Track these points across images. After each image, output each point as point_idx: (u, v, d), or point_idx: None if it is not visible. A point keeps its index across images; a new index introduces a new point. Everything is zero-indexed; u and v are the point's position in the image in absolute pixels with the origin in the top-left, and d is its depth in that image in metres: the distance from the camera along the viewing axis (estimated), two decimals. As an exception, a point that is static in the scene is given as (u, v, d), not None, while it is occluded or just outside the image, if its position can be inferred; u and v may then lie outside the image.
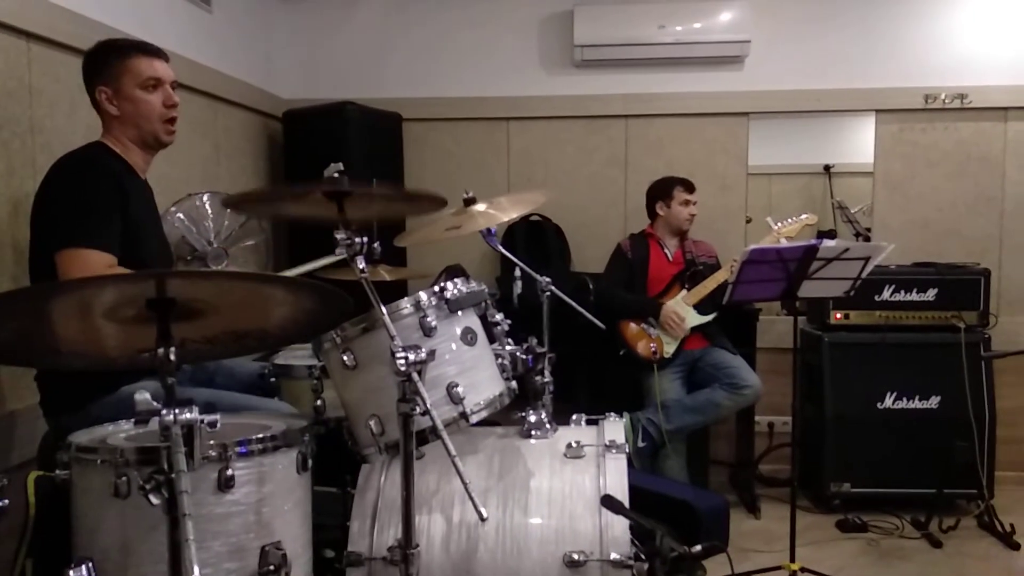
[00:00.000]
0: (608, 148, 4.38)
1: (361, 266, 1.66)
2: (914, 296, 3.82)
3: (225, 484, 1.64)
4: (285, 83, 4.37)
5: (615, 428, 2.13)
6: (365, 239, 1.67)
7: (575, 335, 2.99)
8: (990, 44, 4.11)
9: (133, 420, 1.34)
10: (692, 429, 3.66)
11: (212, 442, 1.61)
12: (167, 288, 1.36)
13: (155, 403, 1.32)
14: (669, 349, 3.69)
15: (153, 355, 1.36)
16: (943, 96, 4.14)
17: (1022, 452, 4.09)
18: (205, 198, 3.08)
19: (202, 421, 1.33)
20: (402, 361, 1.50)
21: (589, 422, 2.25)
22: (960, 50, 4.13)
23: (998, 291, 3.98)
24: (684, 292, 3.74)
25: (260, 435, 1.73)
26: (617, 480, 1.92)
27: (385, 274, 2.88)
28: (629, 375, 3.76)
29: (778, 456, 4.13)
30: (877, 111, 4.23)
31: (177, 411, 1.29)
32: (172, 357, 1.35)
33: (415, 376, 1.51)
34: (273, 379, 2.49)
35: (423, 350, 1.54)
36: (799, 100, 4.23)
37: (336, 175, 1.65)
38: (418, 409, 1.53)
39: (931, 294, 3.81)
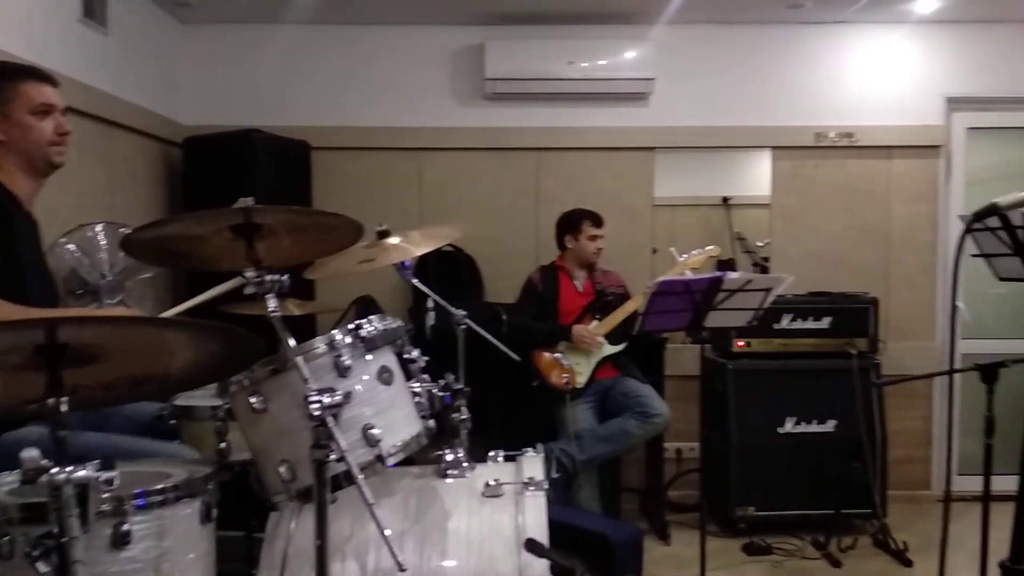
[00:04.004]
0: (520, 180, 4.42)
1: (272, 305, 1.59)
2: (810, 324, 3.99)
3: (120, 540, 1.53)
4: (186, 109, 4.23)
5: (533, 464, 2.11)
6: (277, 277, 1.61)
7: (488, 367, 2.97)
8: (875, 87, 4.39)
9: (19, 473, 1.24)
10: (604, 458, 3.70)
11: (107, 495, 1.50)
12: (58, 333, 1.27)
13: (44, 459, 1.21)
14: (581, 379, 3.73)
15: (42, 405, 1.27)
16: (832, 135, 4.39)
17: (911, 472, 4.32)
18: (99, 228, 2.93)
19: (98, 478, 1.24)
20: (316, 405, 1.45)
21: (507, 458, 2.23)
22: (848, 92, 4.39)
23: (886, 319, 4.21)
24: (595, 323, 3.79)
25: (160, 485, 1.63)
26: (536, 519, 1.90)
27: (294, 308, 2.80)
28: (542, 406, 3.77)
29: (686, 482, 4.22)
30: (773, 148, 4.44)
31: (69, 469, 1.20)
32: (64, 408, 1.26)
33: (330, 420, 1.45)
34: (173, 421, 2.36)
35: (338, 392, 1.49)
36: (701, 136, 4.39)
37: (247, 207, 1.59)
38: (333, 455, 1.48)
39: (826, 322, 3.99)
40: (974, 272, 3.08)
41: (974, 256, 2.73)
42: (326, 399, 1.46)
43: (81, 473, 1.21)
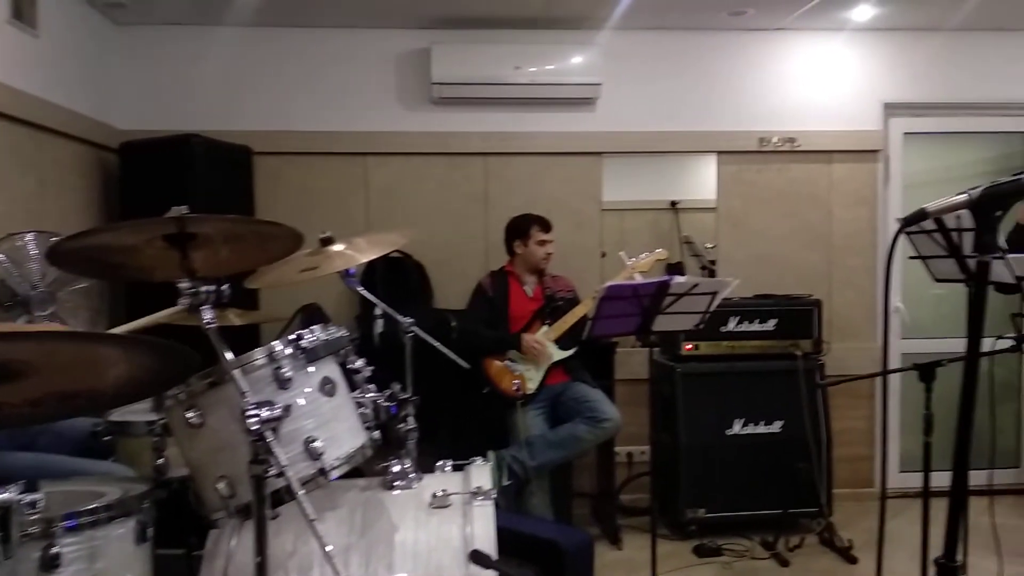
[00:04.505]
0: (468, 185, 4.39)
1: (207, 317, 1.54)
2: (756, 326, 4.05)
3: (50, 564, 1.47)
4: (122, 113, 4.10)
5: (481, 473, 2.09)
6: (212, 288, 1.55)
7: (438, 374, 2.95)
8: (815, 93, 4.49)
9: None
10: (556, 464, 3.69)
11: (33, 517, 1.43)
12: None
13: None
14: (532, 385, 3.72)
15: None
16: (775, 139, 4.47)
17: (855, 470, 4.41)
18: (29, 238, 2.81)
19: (20, 501, 1.17)
20: (254, 419, 1.40)
21: (456, 467, 2.20)
22: (789, 98, 4.48)
23: (829, 320, 4.29)
24: (545, 328, 3.79)
25: (91, 505, 1.57)
26: (484, 529, 1.88)
27: (235, 319, 2.72)
28: (493, 413, 3.75)
29: (638, 485, 4.24)
30: (718, 152, 4.50)
31: (-11, 492, 1.14)
32: (-17, 428, 1.19)
33: (268, 434, 1.41)
34: (108, 437, 2.28)
35: (277, 406, 1.45)
36: (648, 141, 4.42)
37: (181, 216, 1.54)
38: (272, 470, 1.43)
39: (771, 324, 4.05)
40: (913, 274, 3.15)
41: (911, 258, 2.80)
42: (264, 413, 1.41)
43: (1, 496, 1.15)
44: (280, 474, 1.42)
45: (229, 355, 1.55)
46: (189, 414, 1.68)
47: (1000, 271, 2.49)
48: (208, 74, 4.22)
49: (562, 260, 4.07)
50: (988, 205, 1.36)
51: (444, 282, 4.31)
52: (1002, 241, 2.51)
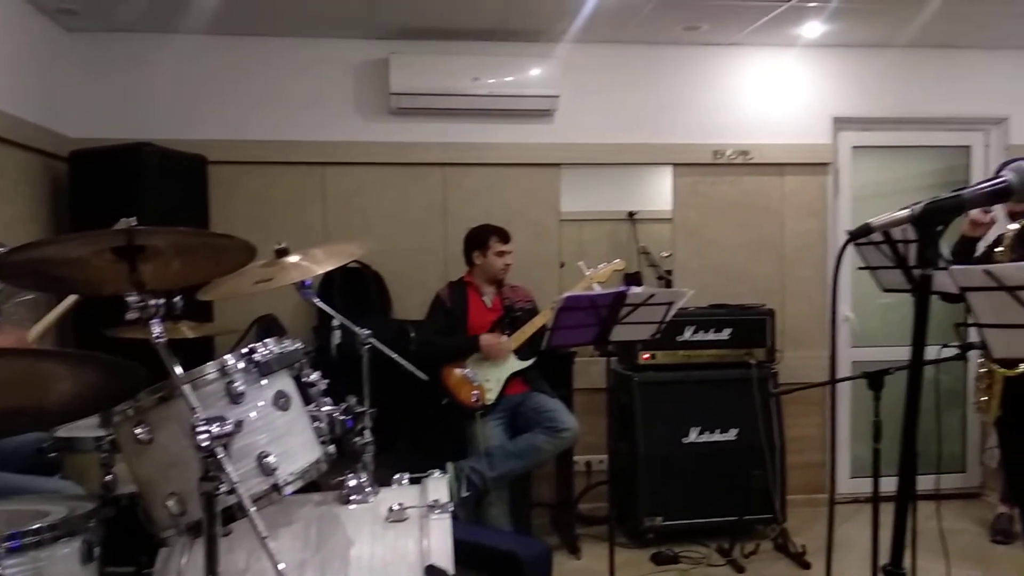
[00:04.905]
0: (427, 195, 4.39)
1: (156, 331, 1.51)
2: (711, 336, 4.11)
3: (-9, 587, 1.42)
4: (73, 121, 4.01)
5: (438, 486, 2.08)
6: (162, 301, 1.52)
7: (397, 385, 2.93)
8: (768, 107, 4.58)
9: None
10: (515, 475, 3.69)
11: (-26, 539, 1.39)
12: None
13: None
14: (491, 396, 3.71)
15: None
16: (729, 152, 4.55)
17: (808, 476, 4.49)
18: (-28, 249, 2.73)
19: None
20: (204, 435, 1.38)
21: (413, 480, 2.19)
22: (743, 111, 4.57)
23: (782, 329, 4.37)
24: (504, 338, 3.79)
25: (36, 525, 1.53)
26: (441, 542, 1.87)
27: (188, 331, 2.67)
28: (453, 424, 3.74)
29: (596, 494, 4.25)
30: (674, 164, 4.57)
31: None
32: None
33: (219, 450, 1.39)
34: (54, 454, 2.22)
35: (229, 421, 1.43)
36: (605, 153, 4.47)
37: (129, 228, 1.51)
38: (223, 487, 1.41)
39: (726, 333, 4.12)
40: (863, 284, 3.23)
41: (860, 269, 2.87)
42: (215, 428, 1.39)
43: (-62, 520, 1.11)
44: (231, 491, 1.40)
45: (179, 369, 1.53)
46: (138, 430, 1.64)
47: (944, 282, 2.58)
48: (162, 82, 4.15)
49: (521, 270, 4.08)
50: (929, 220, 1.40)
51: (403, 293, 4.30)
52: (947, 252, 2.60)
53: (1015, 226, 3.30)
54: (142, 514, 1.77)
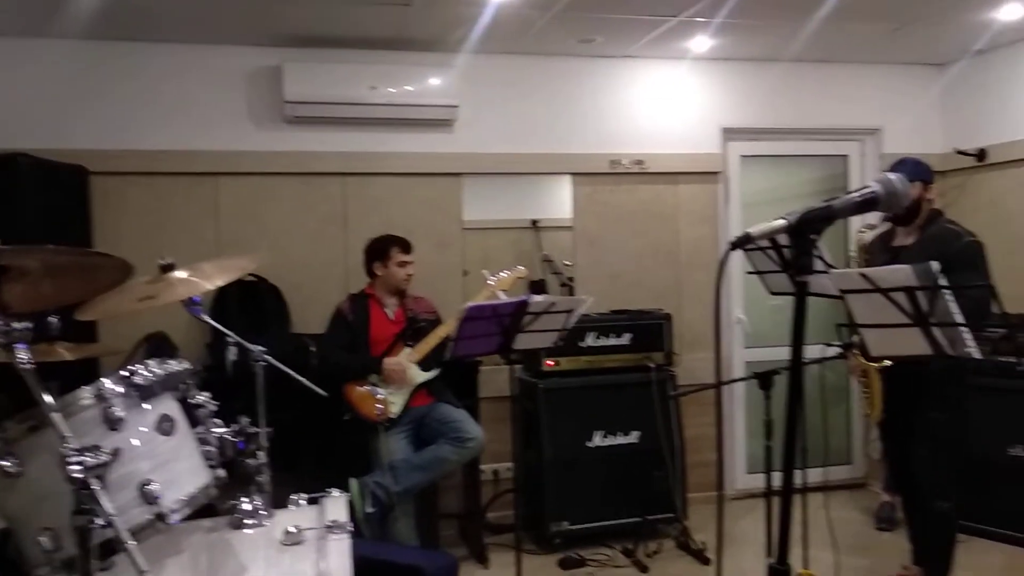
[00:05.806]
0: (326, 206, 4.31)
1: (21, 356, 1.41)
2: (612, 341, 4.20)
3: None
4: (-64, 129, 3.74)
5: (337, 506, 2.03)
6: (28, 324, 1.42)
7: (297, 401, 2.85)
8: (661, 117, 4.72)
9: None
10: (421, 487, 3.66)
11: None
12: None
13: None
14: (395, 409, 3.67)
15: None
16: (625, 162, 4.67)
17: (706, 474, 4.63)
18: None
19: None
20: (76, 467, 1.29)
21: (311, 501, 2.14)
22: (637, 122, 4.69)
23: (679, 332, 4.50)
24: (407, 350, 3.76)
25: None
26: (340, 563, 1.82)
27: (66, 353, 2.51)
28: (357, 439, 3.67)
29: (504, 503, 4.27)
30: (573, 174, 4.65)
31: None
32: None
33: (93, 482, 1.30)
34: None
35: (104, 450, 1.35)
36: (505, 162, 4.51)
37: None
38: (99, 520, 1.32)
39: (626, 338, 4.22)
40: (754, 287, 3.37)
41: (749, 273, 3.00)
42: (88, 459, 1.30)
43: None
44: (108, 524, 1.32)
45: (48, 397, 1.43)
46: (5, 462, 1.53)
47: (823, 285, 2.72)
48: (38, 89, 3.92)
49: (424, 280, 4.06)
50: (804, 229, 1.48)
51: (303, 306, 4.20)
52: (828, 256, 2.73)
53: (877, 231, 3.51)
54: (13, 551, 1.65)
